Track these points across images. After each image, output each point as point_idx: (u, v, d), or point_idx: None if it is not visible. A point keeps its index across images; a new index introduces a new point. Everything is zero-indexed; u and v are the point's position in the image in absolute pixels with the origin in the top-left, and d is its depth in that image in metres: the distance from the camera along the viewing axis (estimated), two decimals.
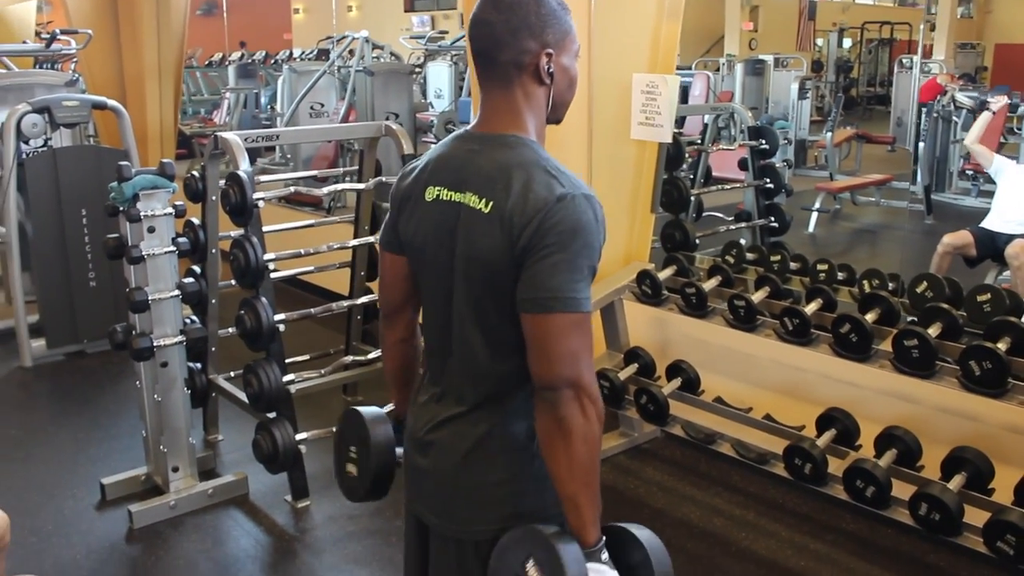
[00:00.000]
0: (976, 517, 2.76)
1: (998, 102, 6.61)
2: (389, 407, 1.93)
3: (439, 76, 9.61)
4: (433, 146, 1.70)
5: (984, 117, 6.19)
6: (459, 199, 1.56)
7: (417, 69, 8.75)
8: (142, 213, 3.43)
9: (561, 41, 1.58)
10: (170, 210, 3.52)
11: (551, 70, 1.57)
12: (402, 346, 1.84)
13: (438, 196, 1.60)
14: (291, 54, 11.19)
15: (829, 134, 9.40)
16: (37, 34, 11.00)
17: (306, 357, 4.32)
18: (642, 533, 1.58)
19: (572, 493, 1.50)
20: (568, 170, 1.55)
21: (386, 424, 1.83)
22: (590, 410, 1.48)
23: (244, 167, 3.48)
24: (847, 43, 16.47)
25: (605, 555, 1.52)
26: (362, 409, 1.86)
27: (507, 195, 1.49)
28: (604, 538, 1.54)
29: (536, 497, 1.61)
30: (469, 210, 1.54)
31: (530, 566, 1.49)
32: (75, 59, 7.76)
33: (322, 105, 8.29)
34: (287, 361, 3.72)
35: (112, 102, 5.42)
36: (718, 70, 12.10)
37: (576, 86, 1.66)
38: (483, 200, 1.52)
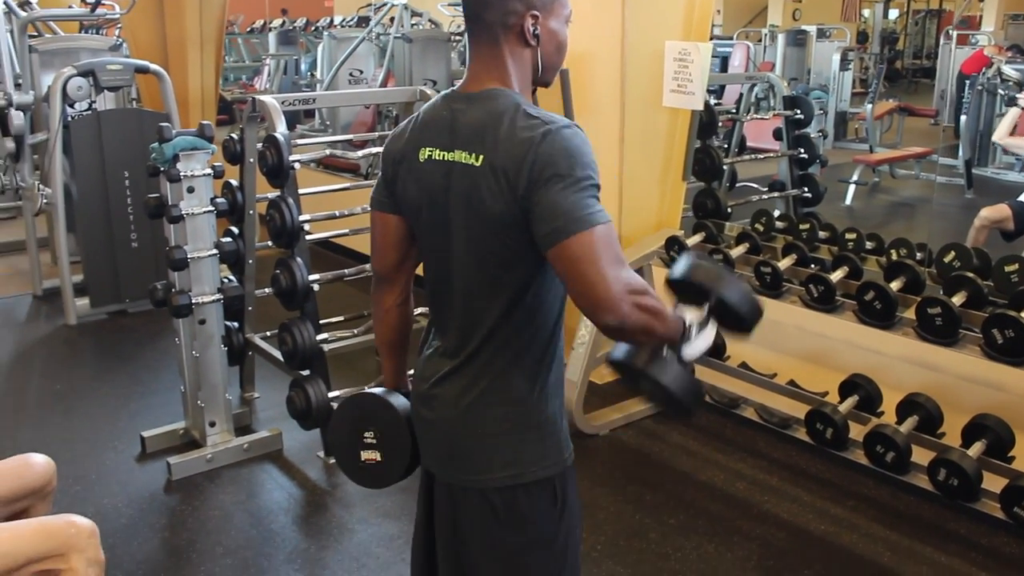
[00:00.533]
0: (995, 484, 2.79)
1: None
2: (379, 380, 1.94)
3: None
4: (423, 106, 1.72)
5: (1012, 113, 6.11)
6: (451, 158, 1.59)
7: (456, 37, 8.77)
8: (182, 173, 3.52)
9: (549, 4, 1.61)
10: (209, 171, 3.61)
11: (536, 31, 1.60)
12: (397, 311, 1.86)
13: (431, 156, 1.63)
14: (332, 21, 11.23)
15: (870, 106, 9.30)
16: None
17: (340, 318, 4.40)
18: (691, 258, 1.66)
19: (670, 336, 1.53)
20: (548, 112, 1.56)
21: (401, 398, 1.84)
22: (652, 302, 1.47)
23: (281, 130, 3.55)
24: (893, 14, 16.20)
25: (695, 329, 1.57)
26: (373, 391, 1.86)
27: (495, 145, 1.52)
28: (687, 320, 1.56)
29: (536, 446, 1.65)
30: (462, 167, 1.57)
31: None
32: (119, 24, 7.87)
33: (361, 72, 8.34)
34: (321, 322, 3.80)
35: (154, 66, 5.52)
36: (760, 40, 11.98)
37: (565, 51, 1.68)
38: (473, 155, 1.55)
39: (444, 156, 1.60)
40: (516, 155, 1.50)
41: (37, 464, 2.48)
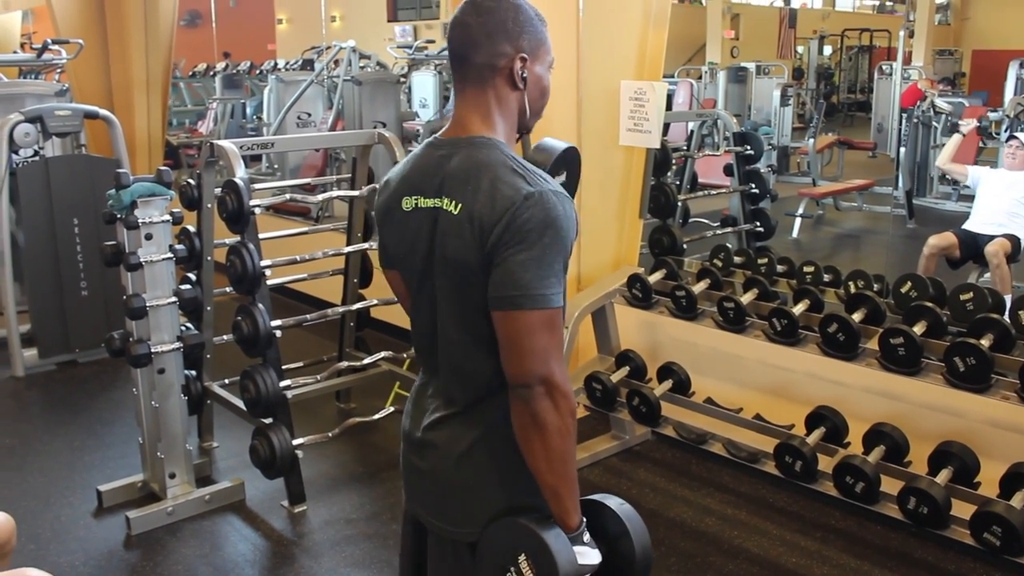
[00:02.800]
0: (963, 510, 2.83)
1: (967, 125, 6.72)
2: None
3: (424, 85, 9.66)
4: (406, 156, 1.73)
5: (955, 139, 6.31)
6: (437, 204, 1.58)
7: (402, 79, 8.79)
8: (140, 220, 3.46)
9: (536, 50, 1.63)
10: (167, 217, 3.56)
11: (524, 75, 1.61)
12: None
13: (416, 205, 1.62)
14: (276, 64, 11.20)
15: (811, 140, 9.51)
16: (22, 44, 10.99)
17: (300, 364, 4.36)
18: (613, 502, 1.66)
19: (552, 484, 1.55)
20: (536, 168, 1.57)
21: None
22: (562, 405, 1.51)
23: (240, 174, 3.52)
24: (827, 50, 16.64)
25: (587, 536, 1.59)
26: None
27: (475, 196, 1.51)
28: (585, 520, 1.60)
29: (531, 496, 1.61)
30: (446, 214, 1.56)
31: (522, 560, 1.55)
32: (60, 69, 7.77)
33: (309, 115, 8.32)
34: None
35: (104, 111, 5.45)
36: (700, 78, 12.21)
37: (547, 97, 1.69)
38: (453, 202, 1.55)
39: (430, 203, 1.60)
40: (495, 211, 1.49)
41: None
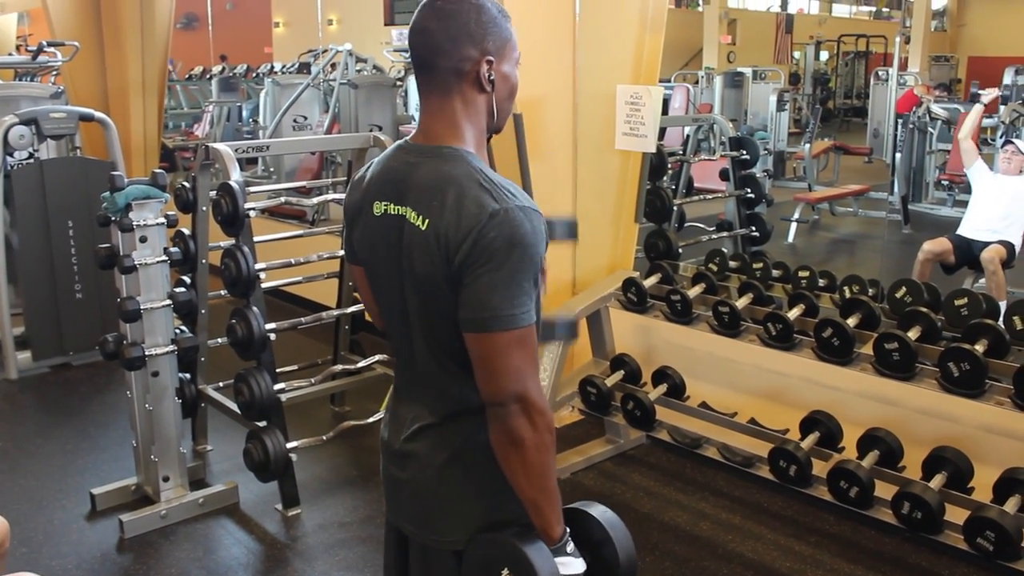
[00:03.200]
0: (957, 515, 2.83)
1: (988, 94, 6.64)
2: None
3: None
4: (379, 156, 1.69)
5: (976, 110, 6.20)
6: (402, 213, 1.55)
7: (398, 82, 8.80)
8: (134, 223, 3.46)
9: (501, 49, 1.57)
10: (162, 220, 3.55)
11: (491, 77, 1.56)
12: None
13: (385, 211, 1.59)
14: (272, 67, 11.20)
15: (807, 146, 9.52)
16: (17, 47, 10.99)
17: (294, 367, 4.35)
18: (596, 510, 1.66)
19: (532, 498, 1.54)
20: (504, 180, 1.52)
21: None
22: (539, 421, 1.50)
23: (235, 177, 3.52)
24: (824, 56, 16.67)
25: (571, 546, 1.58)
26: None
27: (441, 212, 1.48)
28: (568, 530, 1.59)
29: (513, 504, 1.59)
30: (410, 225, 1.53)
31: (505, 574, 1.54)
32: (56, 72, 7.76)
33: (305, 118, 8.32)
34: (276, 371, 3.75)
35: (99, 114, 5.44)
36: (697, 83, 12.22)
37: (515, 93, 1.65)
38: (420, 216, 1.51)
39: (397, 211, 1.57)
40: (461, 229, 1.46)
41: None
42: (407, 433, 1.67)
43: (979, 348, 2.93)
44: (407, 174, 1.56)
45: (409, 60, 9.57)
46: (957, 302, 3.28)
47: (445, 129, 1.57)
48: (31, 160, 5.36)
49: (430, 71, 1.56)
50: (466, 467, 1.62)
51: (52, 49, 6.62)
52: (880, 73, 11.73)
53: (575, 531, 1.63)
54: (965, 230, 5.42)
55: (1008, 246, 5.12)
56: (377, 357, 4.07)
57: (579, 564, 1.58)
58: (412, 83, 9.38)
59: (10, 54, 7.95)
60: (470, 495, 1.63)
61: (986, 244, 5.16)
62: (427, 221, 1.50)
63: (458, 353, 1.54)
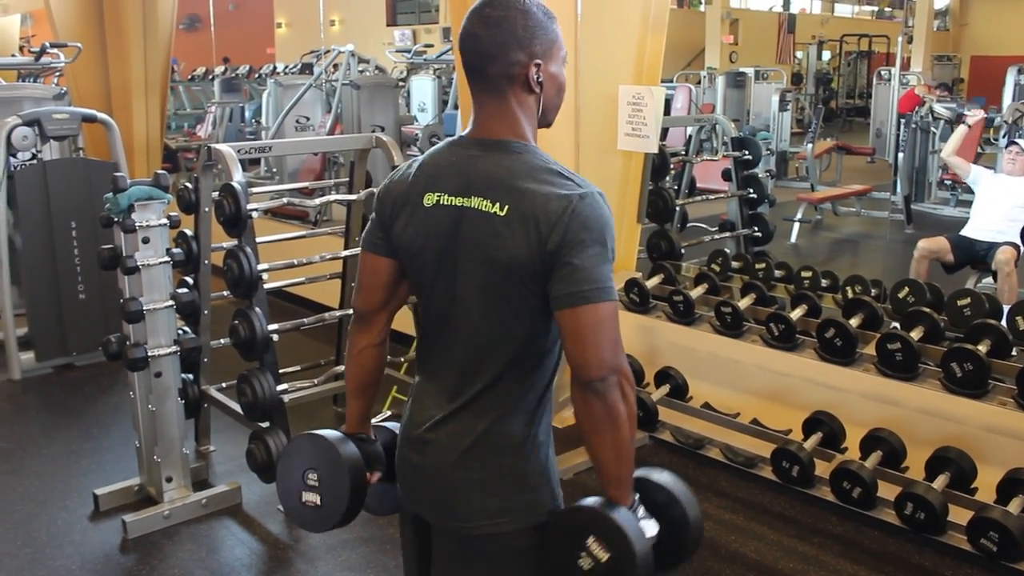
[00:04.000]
0: (960, 516, 2.83)
1: (974, 116, 6.70)
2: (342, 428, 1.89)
3: (423, 89, 9.68)
4: (425, 152, 1.73)
5: (960, 131, 6.29)
6: (464, 203, 1.60)
7: (401, 83, 8.81)
8: (137, 224, 3.46)
9: (549, 50, 1.62)
10: (165, 221, 3.55)
11: (540, 79, 1.61)
12: (373, 351, 1.82)
13: (438, 201, 1.63)
14: (275, 68, 11.22)
15: (810, 146, 9.52)
16: (20, 48, 11.01)
17: (297, 368, 4.35)
18: (662, 476, 1.69)
19: (617, 473, 1.57)
20: (574, 172, 1.60)
21: (351, 444, 1.81)
22: (630, 393, 1.56)
23: (238, 178, 3.52)
24: (826, 56, 16.67)
25: (642, 510, 1.61)
26: (322, 432, 1.82)
27: (524, 197, 1.54)
28: (638, 496, 1.62)
29: (534, 492, 1.65)
30: (479, 214, 1.58)
31: (591, 542, 1.56)
32: (59, 72, 7.77)
33: (307, 119, 8.33)
34: (279, 371, 3.75)
35: (102, 115, 5.45)
36: (699, 83, 12.23)
37: (564, 90, 1.70)
38: (496, 204, 1.56)
39: (455, 201, 1.61)
40: (551, 210, 1.52)
41: None
42: (431, 422, 1.69)
43: (982, 348, 2.94)
44: (468, 166, 1.61)
45: (411, 61, 9.63)
46: (960, 302, 3.28)
47: (506, 126, 1.62)
48: (34, 161, 5.37)
49: (482, 77, 1.62)
50: (489, 453, 1.65)
51: (55, 50, 6.63)
52: (882, 73, 11.75)
53: (642, 497, 1.65)
54: (969, 231, 5.42)
55: (1016, 247, 5.11)
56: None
57: (653, 525, 1.61)
58: (414, 83, 9.41)
59: (13, 55, 7.96)
60: (492, 480, 1.65)
61: (990, 244, 5.15)
62: (507, 207, 1.55)
63: (511, 338, 1.60)
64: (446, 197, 1.62)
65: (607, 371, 1.52)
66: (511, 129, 1.62)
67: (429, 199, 1.64)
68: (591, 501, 1.60)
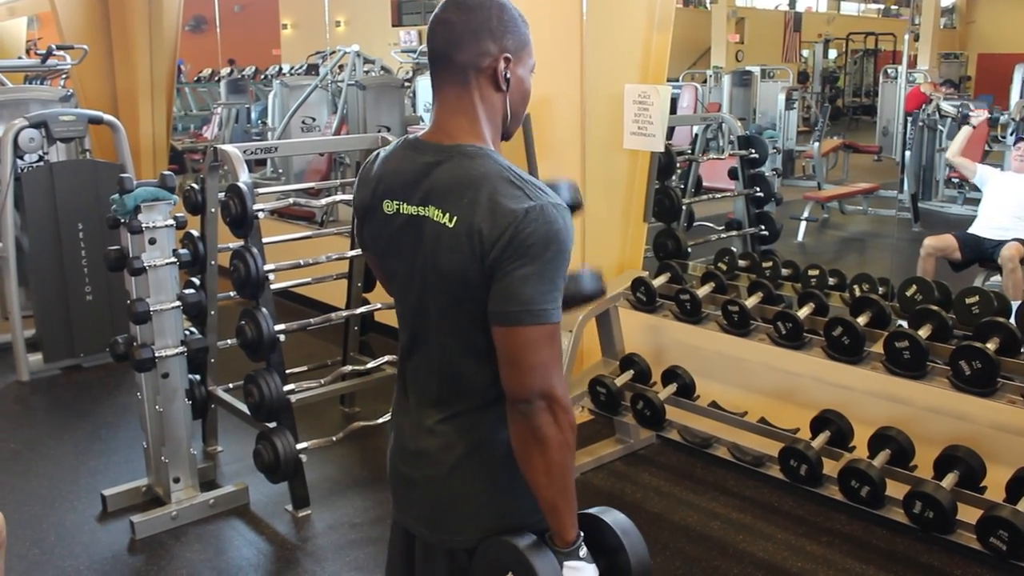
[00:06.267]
0: (969, 515, 2.81)
1: (978, 116, 6.68)
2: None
3: (428, 90, 9.64)
4: (383, 152, 1.68)
5: (964, 132, 6.28)
6: (422, 212, 1.55)
7: (406, 83, 8.80)
8: (143, 225, 3.47)
9: (519, 51, 1.58)
10: (171, 222, 3.56)
11: (508, 76, 1.56)
12: None
13: (398, 210, 1.59)
14: (280, 69, 11.22)
15: (816, 144, 9.48)
16: (27, 50, 11.03)
17: (304, 368, 4.36)
18: (612, 518, 1.65)
19: (551, 499, 1.53)
20: (532, 178, 1.53)
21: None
22: (563, 419, 1.49)
23: (244, 179, 3.52)
24: (832, 54, 16.62)
25: (583, 551, 1.57)
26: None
27: (473, 209, 1.47)
28: (582, 534, 1.58)
29: (525, 502, 1.59)
30: (433, 224, 1.52)
31: None
32: (65, 75, 7.79)
33: (313, 119, 8.34)
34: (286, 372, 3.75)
35: (108, 116, 5.47)
36: (705, 82, 12.20)
37: (528, 100, 1.65)
38: (447, 215, 1.50)
39: (415, 211, 1.56)
40: (496, 225, 1.45)
41: None
42: (419, 432, 1.66)
43: (991, 346, 2.92)
44: (425, 173, 1.55)
45: (417, 61, 9.62)
46: (968, 300, 3.26)
47: (464, 126, 1.57)
48: (41, 163, 5.38)
49: (447, 64, 1.56)
50: (479, 465, 1.62)
51: (61, 52, 6.64)
52: (889, 71, 11.69)
53: (590, 537, 1.61)
54: (977, 228, 5.40)
55: (1022, 244, 5.08)
56: (386, 358, 4.07)
57: (591, 570, 1.56)
58: (420, 84, 9.40)
59: (20, 57, 7.98)
60: (482, 494, 1.63)
61: (998, 242, 5.13)
62: (455, 219, 1.49)
63: (480, 351, 1.54)
64: (405, 206, 1.58)
65: (531, 395, 1.48)
66: (469, 129, 1.57)
67: (388, 206, 1.61)
68: (520, 536, 1.57)
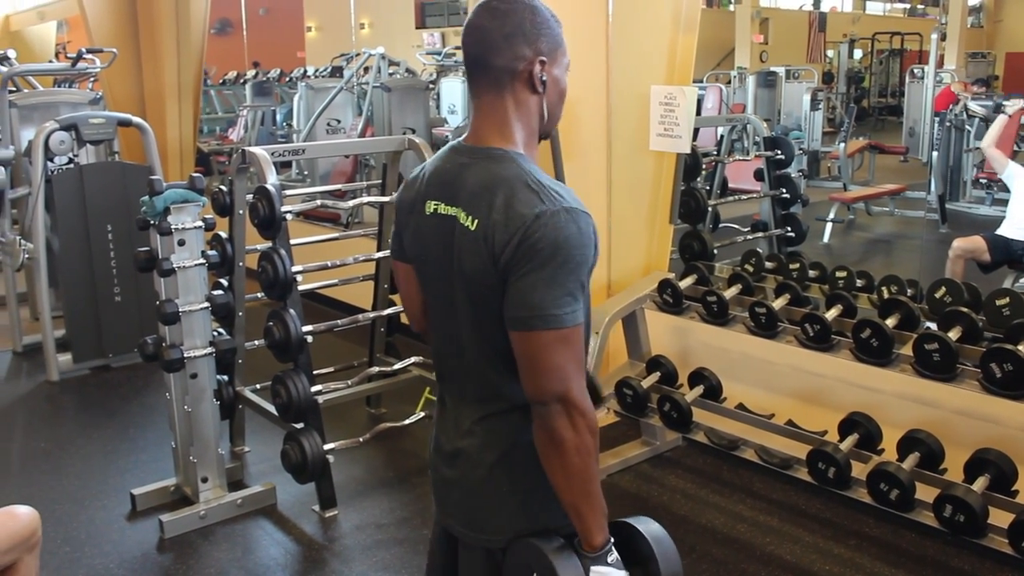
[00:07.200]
0: (1000, 518, 2.79)
1: (1014, 105, 6.59)
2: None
3: (452, 91, 9.69)
4: (433, 157, 1.71)
5: (1000, 120, 6.19)
6: (452, 213, 1.58)
7: (431, 85, 8.82)
8: (173, 226, 3.49)
9: (553, 52, 1.60)
10: (200, 223, 3.58)
11: (544, 78, 1.58)
12: None
13: (436, 210, 1.61)
14: (305, 71, 11.28)
15: (842, 145, 9.43)
16: (56, 54, 11.14)
17: (330, 369, 4.37)
18: (646, 527, 1.64)
19: (572, 502, 1.53)
20: (553, 182, 1.53)
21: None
22: (580, 423, 1.49)
23: (272, 181, 3.54)
24: (858, 54, 16.52)
25: (613, 556, 1.56)
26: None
27: (489, 213, 1.50)
28: (612, 539, 1.57)
29: (556, 504, 1.58)
30: (460, 226, 1.55)
31: None
32: (93, 78, 7.86)
33: (338, 121, 8.37)
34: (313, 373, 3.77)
35: (137, 119, 5.51)
36: (729, 82, 12.16)
37: (564, 100, 1.66)
38: (470, 217, 1.53)
39: (448, 211, 1.59)
40: (508, 229, 1.48)
41: (22, 515, 2.48)
42: (459, 432, 1.68)
43: (1022, 348, 2.89)
44: (458, 175, 1.59)
45: (441, 63, 9.65)
46: (998, 302, 3.23)
47: (495, 130, 1.59)
48: (71, 165, 5.44)
49: (483, 69, 1.58)
50: (514, 466, 1.63)
51: (91, 56, 6.71)
52: (915, 71, 11.61)
53: (624, 545, 1.61)
54: (1005, 229, 5.35)
55: None
56: (412, 359, 4.08)
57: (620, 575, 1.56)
58: (444, 86, 9.42)
59: (50, 61, 8.06)
60: (517, 494, 1.64)
61: None
62: (476, 222, 1.52)
63: (507, 352, 1.55)
64: (442, 206, 1.60)
65: (547, 398, 1.49)
66: (499, 133, 1.59)
67: (429, 207, 1.63)
68: (549, 539, 1.57)
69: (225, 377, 4.00)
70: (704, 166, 5.28)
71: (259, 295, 3.85)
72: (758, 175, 5.46)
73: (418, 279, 1.74)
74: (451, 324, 1.65)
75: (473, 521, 1.68)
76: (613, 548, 1.57)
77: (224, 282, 3.92)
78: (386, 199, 4.13)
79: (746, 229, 5.51)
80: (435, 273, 1.65)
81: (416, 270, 1.73)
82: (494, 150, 1.57)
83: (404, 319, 4.39)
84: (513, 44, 1.55)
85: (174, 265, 3.52)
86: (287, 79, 11.33)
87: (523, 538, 1.61)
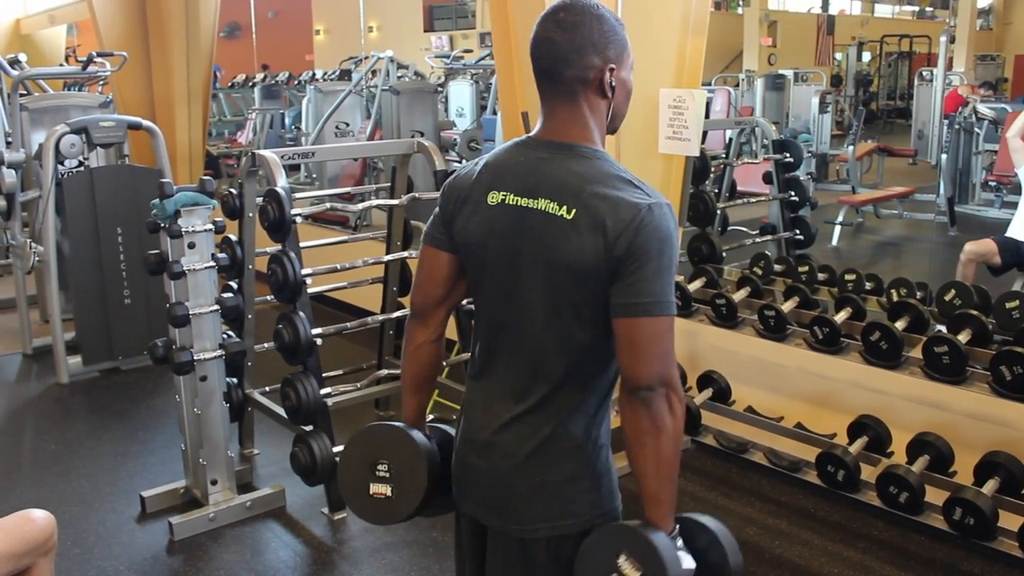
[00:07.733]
0: (1010, 521, 2.79)
1: None
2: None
3: (461, 94, 9.71)
4: (491, 151, 1.75)
5: None
6: (529, 204, 1.61)
7: (439, 88, 8.85)
8: (183, 229, 3.51)
9: (620, 55, 1.65)
10: (210, 226, 3.60)
11: (613, 84, 1.63)
12: (431, 347, 1.83)
13: (503, 200, 1.64)
14: (314, 75, 11.31)
15: (851, 148, 9.41)
16: (67, 57, 11.19)
17: (339, 372, 4.38)
18: (708, 520, 1.67)
19: (656, 488, 1.56)
20: (642, 180, 1.61)
21: (422, 436, 1.83)
22: (678, 407, 1.56)
23: (282, 183, 3.56)
24: (866, 57, 16.49)
25: (680, 541, 1.60)
26: (395, 423, 1.85)
27: (595, 202, 1.55)
28: (678, 527, 1.61)
29: (594, 494, 1.67)
30: (545, 216, 1.59)
31: (622, 561, 1.55)
32: (103, 81, 7.89)
33: (347, 124, 8.39)
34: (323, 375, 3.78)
35: (147, 122, 5.53)
36: (737, 85, 12.15)
37: (631, 97, 1.72)
38: (563, 207, 1.57)
39: (520, 202, 1.62)
40: (620, 217, 1.53)
41: (38, 519, 2.47)
42: (498, 424, 1.69)
43: None
44: (535, 168, 1.63)
45: (449, 66, 9.67)
46: (1008, 305, 3.23)
47: (577, 130, 1.64)
48: (81, 168, 5.46)
49: (555, 81, 1.63)
50: (552, 456, 1.65)
51: (101, 59, 6.74)
52: (924, 73, 11.58)
53: (682, 535, 1.64)
54: (1015, 232, 5.33)
55: None
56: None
57: (690, 560, 1.60)
58: (453, 89, 9.44)
59: (61, 65, 8.09)
60: (554, 484, 1.66)
61: None
62: (574, 211, 1.56)
63: (573, 339, 1.61)
64: (512, 197, 1.64)
65: (655, 382, 1.54)
66: (581, 134, 1.64)
67: (493, 197, 1.66)
68: (626, 522, 1.61)
69: (235, 379, 4.01)
70: (713, 169, 5.28)
71: (268, 298, 3.85)
72: (767, 178, 5.46)
73: (462, 269, 1.75)
74: (508, 312, 1.67)
75: (505, 510, 1.70)
76: (679, 535, 1.61)
77: (234, 285, 3.93)
78: (396, 202, 4.13)
79: (755, 232, 5.51)
80: (496, 261, 1.67)
81: (468, 261, 1.73)
82: (579, 147, 1.62)
83: (406, 305, 4.40)
84: (583, 55, 1.60)
85: (184, 268, 3.53)
86: (296, 82, 11.37)
87: (598, 527, 1.65)
